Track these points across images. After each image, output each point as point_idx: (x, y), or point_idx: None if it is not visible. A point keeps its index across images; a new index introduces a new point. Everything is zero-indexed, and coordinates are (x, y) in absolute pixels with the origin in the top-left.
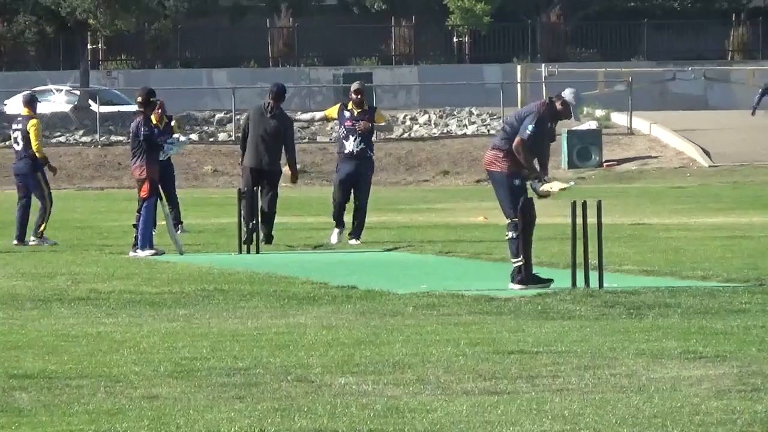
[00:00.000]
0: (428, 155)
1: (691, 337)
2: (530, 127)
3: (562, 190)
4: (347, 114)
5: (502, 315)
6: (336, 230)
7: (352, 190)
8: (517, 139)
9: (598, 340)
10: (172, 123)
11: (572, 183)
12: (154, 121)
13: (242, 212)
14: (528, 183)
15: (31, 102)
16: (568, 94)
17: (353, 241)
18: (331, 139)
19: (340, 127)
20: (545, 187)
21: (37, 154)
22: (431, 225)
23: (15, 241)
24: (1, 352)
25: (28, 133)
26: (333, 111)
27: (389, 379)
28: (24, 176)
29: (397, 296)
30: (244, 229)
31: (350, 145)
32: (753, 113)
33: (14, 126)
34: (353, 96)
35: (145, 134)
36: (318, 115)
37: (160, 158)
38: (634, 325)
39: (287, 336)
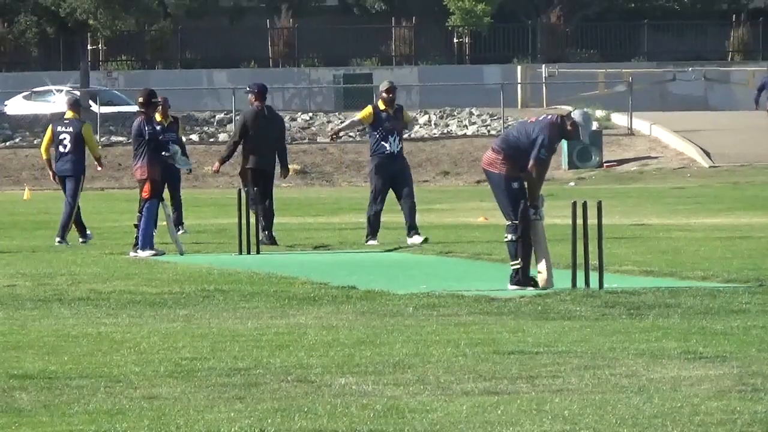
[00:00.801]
0: (428, 156)
1: (691, 338)
2: (543, 151)
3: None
4: (383, 115)
5: (502, 315)
6: (374, 241)
7: (389, 191)
8: (531, 162)
9: (598, 340)
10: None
11: (543, 272)
12: (159, 119)
13: (255, 216)
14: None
15: (76, 104)
16: (578, 115)
17: (417, 239)
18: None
19: (377, 128)
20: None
21: (94, 155)
22: (431, 225)
23: (81, 239)
24: (2, 352)
25: (80, 136)
26: (368, 114)
27: (389, 379)
28: (66, 178)
29: (397, 297)
30: (260, 235)
31: (390, 146)
32: (756, 107)
33: (60, 128)
34: (384, 95)
35: (150, 133)
36: (356, 120)
37: (184, 167)
38: (635, 325)
39: (287, 336)
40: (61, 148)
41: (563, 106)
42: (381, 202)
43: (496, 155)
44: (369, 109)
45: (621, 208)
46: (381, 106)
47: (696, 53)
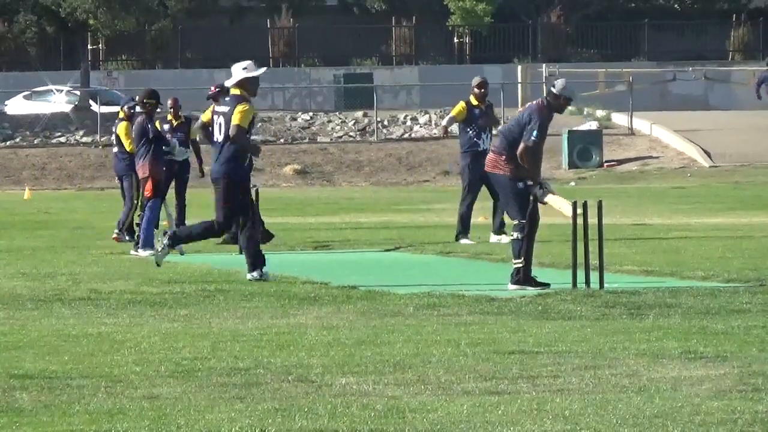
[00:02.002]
0: (429, 155)
1: (691, 338)
2: (535, 133)
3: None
4: (476, 111)
5: (502, 315)
6: (466, 240)
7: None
8: (521, 146)
9: (598, 340)
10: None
11: (567, 206)
12: (169, 118)
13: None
14: (537, 192)
15: (125, 103)
16: (559, 84)
17: (506, 238)
18: (331, 140)
19: (471, 125)
20: (549, 199)
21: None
22: (432, 225)
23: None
24: (2, 352)
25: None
26: (461, 110)
27: (390, 379)
28: (122, 177)
29: (397, 296)
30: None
31: (483, 143)
32: (759, 97)
33: (113, 128)
34: (477, 91)
35: (155, 132)
36: (452, 117)
37: (180, 158)
38: (635, 325)
39: (288, 336)
40: (115, 147)
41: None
42: (473, 198)
43: (498, 156)
44: (462, 104)
45: (621, 207)
46: (473, 101)
47: (696, 53)
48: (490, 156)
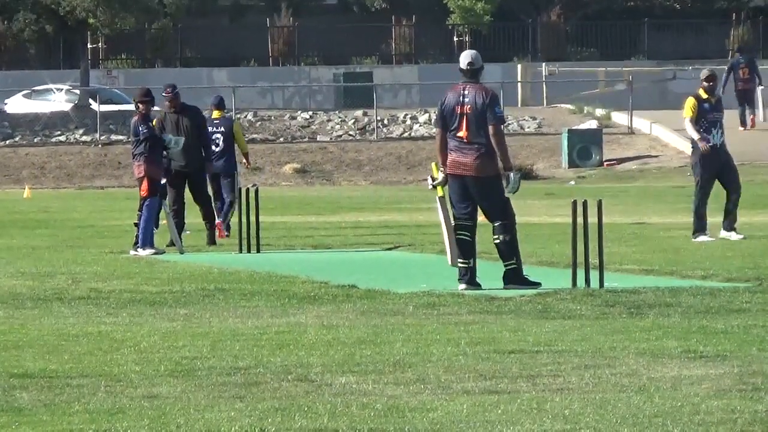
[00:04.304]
0: (428, 154)
1: (691, 337)
2: (498, 108)
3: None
4: (706, 105)
5: (502, 314)
6: (704, 237)
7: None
8: (493, 125)
9: (598, 339)
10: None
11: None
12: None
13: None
14: (512, 176)
15: (220, 104)
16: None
17: (735, 235)
18: (331, 139)
19: (700, 119)
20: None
21: (243, 151)
22: (432, 224)
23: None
24: (2, 351)
25: (231, 134)
26: (691, 107)
27: (390, 378)
28: (218, 175)
29: (397, 295)
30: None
31: (714, 138)
32: (723, 91)
33: (210, 128)
34: (705, 84)
35: (144, 133)
36: (690, 119)
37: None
38: (635, 324)
39: (288, 335)
40: (213, 147)
41: (563, 105)
42: (706, 194)
43: (482, 157)
44: (691, 101)
45: (621, 206)
46: (702, 95)
47: (696, 52)
48: (469, 160)
